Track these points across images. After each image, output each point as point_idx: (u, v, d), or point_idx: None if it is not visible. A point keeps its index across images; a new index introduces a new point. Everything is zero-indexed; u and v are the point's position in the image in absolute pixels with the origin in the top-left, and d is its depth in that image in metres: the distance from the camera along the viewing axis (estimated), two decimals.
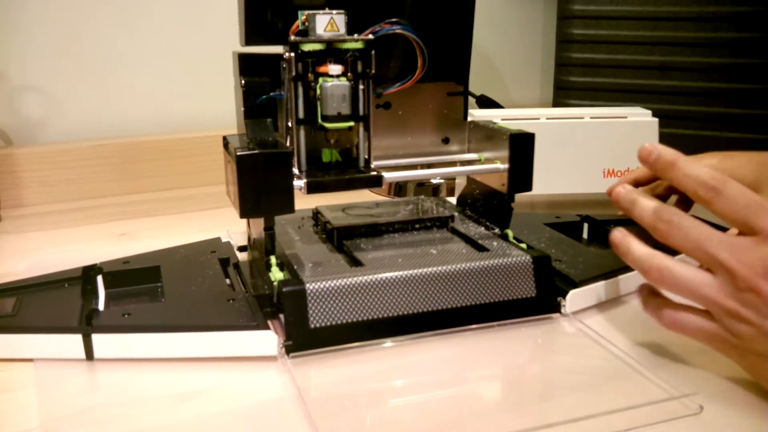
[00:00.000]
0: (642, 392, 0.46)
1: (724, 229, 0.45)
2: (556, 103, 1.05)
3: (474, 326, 0.53)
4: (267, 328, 0.50)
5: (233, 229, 0.69)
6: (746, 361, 0.44)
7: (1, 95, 0.90)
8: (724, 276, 0.42)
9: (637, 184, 0.58)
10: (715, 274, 0.43)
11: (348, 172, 0.58)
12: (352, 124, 0.56)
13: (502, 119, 0.80)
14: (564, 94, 1.03)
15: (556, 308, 0.56)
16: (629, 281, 0.59)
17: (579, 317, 0.55)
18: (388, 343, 0.51)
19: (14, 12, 0.88)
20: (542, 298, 0.55)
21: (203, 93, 0.99)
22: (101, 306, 0.55)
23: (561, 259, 0.60)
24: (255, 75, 0.57)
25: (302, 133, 0.57)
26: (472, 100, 1.09)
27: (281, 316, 0.51)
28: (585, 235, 0.72)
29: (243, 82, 0.57)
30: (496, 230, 0.62)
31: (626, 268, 0.59)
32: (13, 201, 0.87)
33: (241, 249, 0.65)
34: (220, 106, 0.96)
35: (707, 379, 0.47)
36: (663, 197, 0.68)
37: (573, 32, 1.01)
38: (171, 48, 0.96)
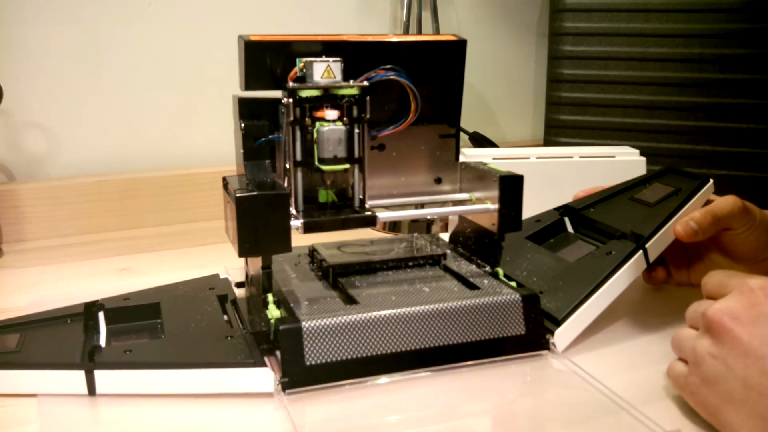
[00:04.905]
0: (627, 429, 0.47)
1: None
2: (547, 141, 1.07)
3: (465, 363, 0.55)
4: (264, 365, 0.51)
5: (231, 264, 0.70)
6: (708, 409, 0.46)
7: (4, 132, 0.92)
8: (702, 324, 0.47)
9: None
10: (698, 329, 0.48)
11: (343, 212, 0.60)
12: (347, 166, 0.58)
13: (494, 158, 0.83)
14: (554, 132, 1.06)
15: (545, 345, 0.57)
16: (606, 294, 0.60)
17: (567, 353, 0.57)
18: (382, 379, 0.53)
19: (17, 51, 0.91)
20: (531, 335, 0.57)
21: (202, 130, 1.01)
22: (102, 342, 0.57)
23: (543, 289, 0.61)
24: (254, 118, 0.59)
25: (299, 174, 0.59)
26: (464, 137, 1.12)
27: (278, 353, 0.53)
28: (570, 229, 0.73)
29: (243, 125, 0.59)
30: (487, 268, 0.64)
31: (603, 281, 0.60)
32: (15, 236, 0.88)
33: (239, 285, 0.67)
34: (219, 143, 0.98)
35: (688, 415, 0.48)
36: None
37: (563, 72, 1.04)
38: (171, 87, 0.99)
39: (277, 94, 0.59)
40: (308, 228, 0.57)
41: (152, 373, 0.51)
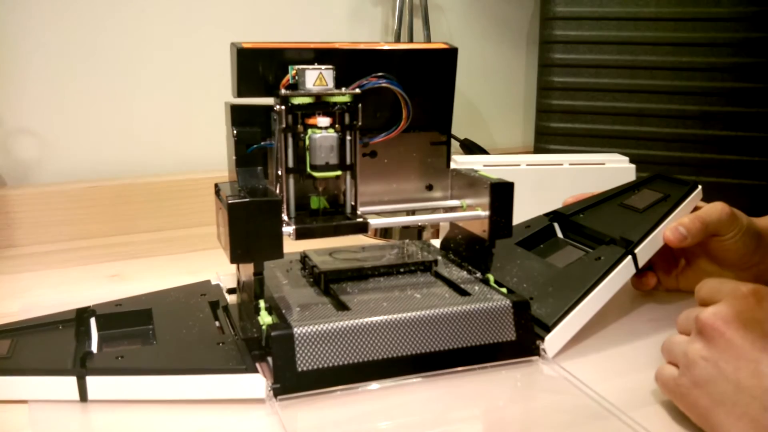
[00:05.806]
0: None
1: None
2: (537, 148, 1.08)
3: (456, 369, 0.55)
4: (255, 371, 0.51)
5: (223, 270, 0.70)
6: (698, 411, 0.47)
7: None
8: (695, 328, 0.47)
9: None
10: (690, 335, 0.49)
11: (335, 218, 0.60)
12: (339, 173, 0.59)
13: (484, 165, 0.83)
14: (545, 139, 1.06)
15: (535, 351, 0.58)
16: (596, 300, 0.60)
17: (557, 359, 0.58)
18: (374, 385, 0.53)
19: (9, 56, 0.91)
20: (522, 341, 0.57)
21: (195, 137, 1.01)
22: (94, 348, 0.57)
23: (533, 295, 0.62)
24: (246, 125, 0.60)
25: (291, 181, 0.59)
26: (455, 144, 1.12)
27: (269, 359, 0.53)
28: (559, 234, 0.74)
29: (235, 132, 0.59)
30: (478, 274, 0.64)
31: (593, 286, 0.60)
32: (6, 241, 0.88)
33: (231, 291, 0.67)
34: (211, 150, 0.98)
35: (678, 420, 0.49)
36: None
37: (554, 80, 1.05)
38: (164, 92, 0.99)
39: (269, 101, 0.59)
40: (300, 234, 0.57)
41: (144, 379, 0.51)
